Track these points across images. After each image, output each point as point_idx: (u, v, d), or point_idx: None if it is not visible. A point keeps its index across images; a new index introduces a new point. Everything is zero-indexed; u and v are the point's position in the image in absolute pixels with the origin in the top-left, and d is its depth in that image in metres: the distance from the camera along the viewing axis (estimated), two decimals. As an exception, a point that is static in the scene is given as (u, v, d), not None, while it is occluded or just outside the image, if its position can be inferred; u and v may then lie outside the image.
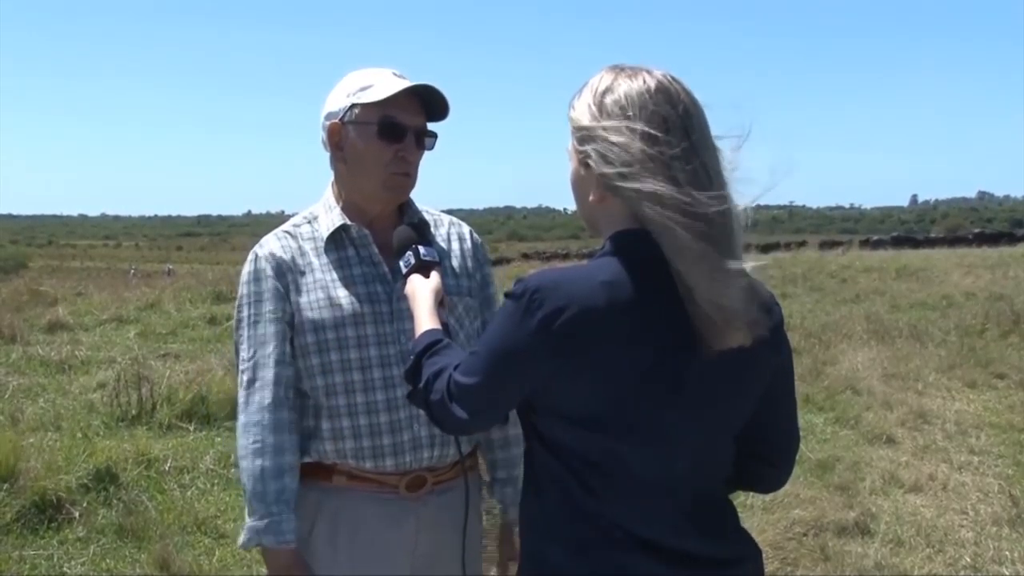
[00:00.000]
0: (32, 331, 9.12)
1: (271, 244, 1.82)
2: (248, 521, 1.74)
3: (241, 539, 1.76)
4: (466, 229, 1.96)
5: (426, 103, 1.78)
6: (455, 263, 1.87)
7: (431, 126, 1.81)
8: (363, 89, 1.75)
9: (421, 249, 1.67)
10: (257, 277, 1.79)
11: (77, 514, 4.15)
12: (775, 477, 1.50)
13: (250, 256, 1.83)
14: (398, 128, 1.75)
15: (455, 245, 1.90)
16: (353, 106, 1.76)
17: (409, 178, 1.80)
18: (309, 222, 1.85)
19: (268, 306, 1.77)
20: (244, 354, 1.79)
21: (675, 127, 1.27)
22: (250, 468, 1.74)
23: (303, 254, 1.80)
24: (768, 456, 1.46)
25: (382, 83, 1.74)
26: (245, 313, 1.80)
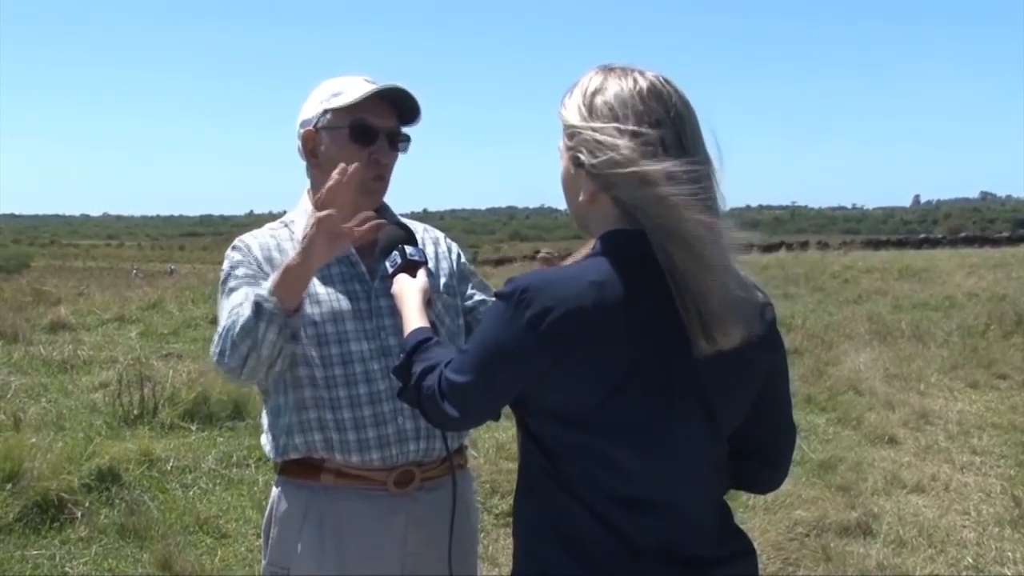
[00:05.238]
0: (34, 331, 9.14)
1: (249, 239, 1.85)
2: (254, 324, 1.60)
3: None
4: (440, 234, 2.02)
5: (397, 106, 1.82)
6: (431, 264, 1.90)
7: (406, 130, 1.85)
8: (335, 95, 1.79)
9: (407, 249, 1.69)
10: (242, 256, 1.81)
11: (79, 514, 4.15)
12: (771, 477, 1.49)
13: (233, 244, 1.85)
14: (370, 130, 1.78)
15: (429, 248, 1.94)
16: (325, 112, 1.80)
17: (383, 181, 1.84)
18: (286, 225, 1.89)
19: (256, 274, 1.76)
20: (226, 308, 1.72)
21: (666, 130, 1.27)
22: (232, 335, 1.62)
23: (282, 251, 1.82)
24: (763, 456, 1.45)
25: (353, 88, 1.78)
26: (230, 284, 1.77)
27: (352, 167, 1.56)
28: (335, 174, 1.55)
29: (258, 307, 1.59)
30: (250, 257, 1.81)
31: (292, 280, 1.59)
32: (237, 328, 1.62)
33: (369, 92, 1.76)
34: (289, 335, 1.64)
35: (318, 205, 1.56)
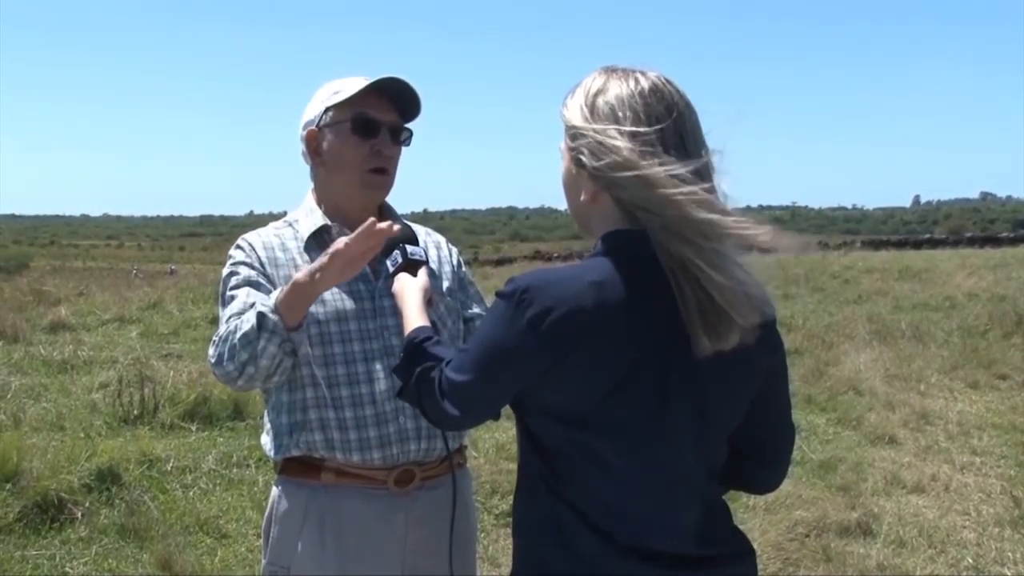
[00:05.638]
0: (34, 331, 9.15)
1: (253, 238, 1.86)
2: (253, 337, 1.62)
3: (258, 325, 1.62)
4: (442, 239, 2.04)
5: (398, 102, 1.84)
6: (432, 267, 1.91)
7: (407, 125, 1.87)
8: (335, 93, 1.82)
9: (408, 248, 1.70)
10: (244, 255, 1.82)
11: (79, 514, 4.15)
12: (768, 478, 1.50)
13: (236, 243, 1.86)
14: (371, 123, 1.81)
15: (432, 252, 1.94)
16: (327, 110, 1.82)
17: (387, 175, 1.85)
18: (290, 224, 1.90)
19: (259, 278, 1.78)
20: (227, 312, 1.74)
21: (667, 129, 1.27)
22: (232, 342, 1.63)
23: (286, 251, 1.84)
24: (760, 457, 1.46)
25: (352, 85, 1.81)
26: (231, 285, 1.78)
27: (385, 224, 1.56)
28: (365, 227, 1.54)
29: (262, 320, 1.60)
30: (253, 257, 1.82)
31: (298, 297, 1.61)
32: (238, 336, 1.62)
33: (369, 84, 1.79)
34: (290, 349, 1.65)
35: (342, 248, 1.55)
